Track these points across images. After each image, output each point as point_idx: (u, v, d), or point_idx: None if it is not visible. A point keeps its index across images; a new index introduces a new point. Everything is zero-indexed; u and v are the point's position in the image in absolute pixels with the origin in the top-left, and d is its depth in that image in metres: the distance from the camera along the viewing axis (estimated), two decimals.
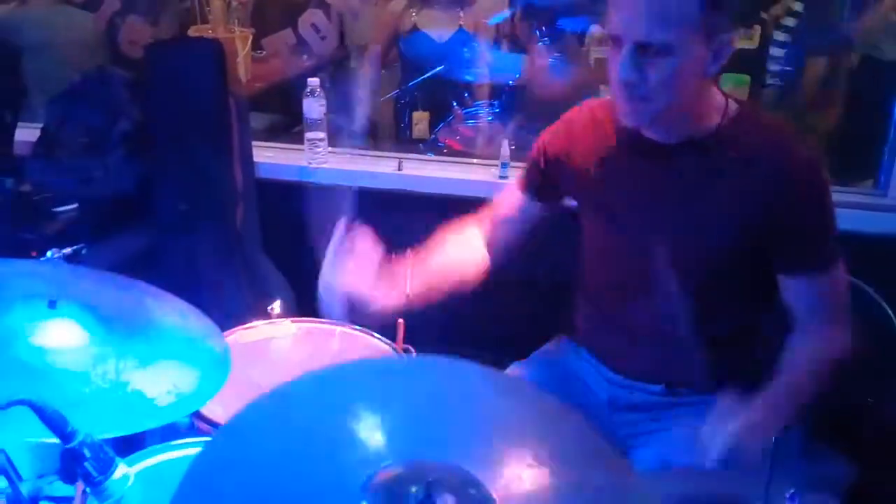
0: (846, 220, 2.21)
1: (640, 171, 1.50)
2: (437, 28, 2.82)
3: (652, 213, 1.49)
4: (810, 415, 2.14)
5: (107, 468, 0.90)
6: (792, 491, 0.94)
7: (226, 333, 1.81)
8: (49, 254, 1.63)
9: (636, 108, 1.38)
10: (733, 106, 1.46)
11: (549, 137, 1.64)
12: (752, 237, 1.44)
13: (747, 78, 2.69)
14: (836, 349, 1.48)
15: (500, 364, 1.77)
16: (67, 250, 1.67)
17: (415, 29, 2.90)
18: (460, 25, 2.84)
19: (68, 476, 0.90)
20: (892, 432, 2.12)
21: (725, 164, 1.43)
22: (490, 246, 1.72)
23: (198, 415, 1.52)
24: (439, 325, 2.48)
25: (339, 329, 1.86)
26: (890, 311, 2.00)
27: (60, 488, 0.92)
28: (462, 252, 1.68)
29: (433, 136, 2.86)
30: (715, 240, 1.45)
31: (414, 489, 0.74)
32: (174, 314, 1.31)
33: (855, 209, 2.28)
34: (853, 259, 2.10)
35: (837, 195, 2.25)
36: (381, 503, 0.75)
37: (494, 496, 0.79)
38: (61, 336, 1.14)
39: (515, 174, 2.43)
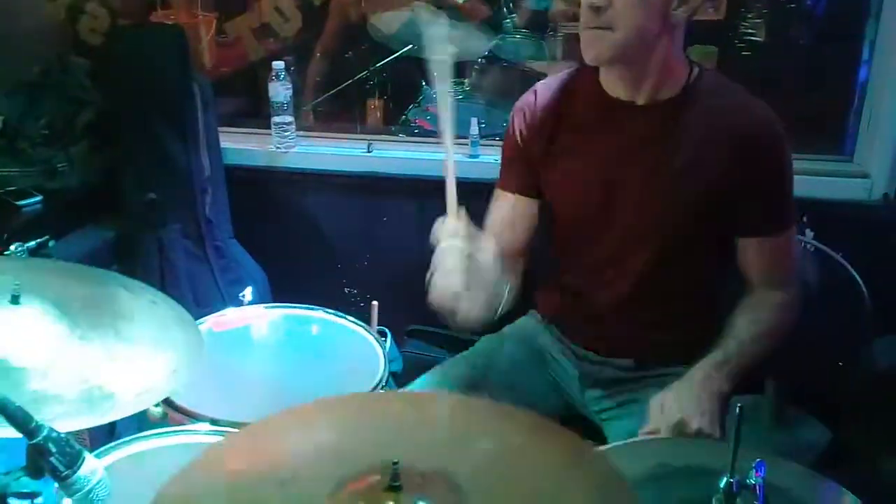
0: (813, 187, 2.26)
1: (607, 133, 1.51)
2: (387, 16, 2.75)
3: (619, 176, 1.50)
4: (783, 380, 2.19)
5: (74, 462, 0.90)
6: (758, 459, 0.95)
7: (199, 322, 1.80)
8: (12, 247, 1.61)
9: (599, 38, 1.39)
10: (698, 70, 1.49)
11: (515, 130, 1.62)
12: (715, 199, 1.46)
13: (714, 49, 2.70)
14: (786, 314, 1.51)
15: (470, 339, 1.77)
16: (31, 244, 1.65)
17: (363, 18, 2.84)
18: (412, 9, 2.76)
19: (35, 471, 0.90)
20: (863, 396, 2.16)
21: (690, 125, 1.45)
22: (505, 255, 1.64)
23: (173, 405, 1.51)
24: (411, 304, 2.48)
25: (315, 314, 1.86)
26: (857, 277, 2.03)
27: (28, 484, 0.91)
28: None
29: (403, 116, 2.83)
30: (680, 201, 1.46)
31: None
32: (145, 303, 1.30)
33: (822, 176, 2.30)
34: (821, 226, 2.14)
35: (804, 163, 2.31)
36: None
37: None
38: (24, 331, 1.12)
39: (486, 151, 2.46)
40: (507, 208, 1.64)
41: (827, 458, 2.16)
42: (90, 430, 1.87)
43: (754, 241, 1.50)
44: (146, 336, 1.21)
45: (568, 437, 0.93)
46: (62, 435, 0.90)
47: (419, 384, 1.63)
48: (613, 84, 1.50)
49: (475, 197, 2.52)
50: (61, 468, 0.89)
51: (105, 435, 2.01)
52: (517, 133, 1.62)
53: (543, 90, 1.60)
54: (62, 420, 0.92)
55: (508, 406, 1.01)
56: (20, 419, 0.88)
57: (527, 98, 1.62)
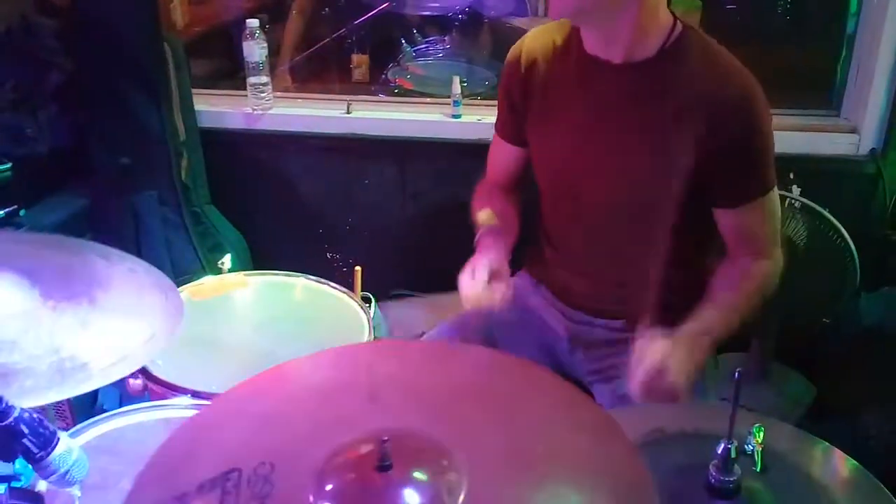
0: (800, 143, 2.24)
1: (583, 92, 1.47)
2: None
3: (595, 137, 1.46)
4: (769, 337, 2.19)
5: (48, 443, 0.86)
6: (756, 424, 0.94)
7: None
8: None
9: None
10: (680, 28, 1.42)
11: (506, 80, 1.60)
12: (687, 165, 1.39)
13: (699, 2, 2.64)
14: (763, 280, 1.47)
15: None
16: (0, 213, 1.59)
17: None
18: None
19: (7, 454, 0.86)
20: (848, 351, 2.17)
21: (663, 88, 1.40)
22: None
23: (152, 377, 1.48)
24: (397, 269, 2.46)
25: (297, 280, 1.82)
26: (844, 232, 2.01)
27: None
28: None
29: (383, 76, 2.76)
30: (653, 165, 1.42)
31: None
32: (120, 270, 1.25)
33: (808, 132, 2.28)
34: (807, 181, 2.12)
35: (791, 118, 2.28)
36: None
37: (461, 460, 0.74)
38: None
39: (468, 111, 2.41)
40: (496, 150, 1.71)
41: (812, 414, 2.18)
42: (72, 402, 1.84)
43: (729, 212, 1.45)
44: (122, 303, 1.17)
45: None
46: (34, 415, 0.86)
47: None
48: (589, 41, 1.46)
49: (458, 157, 2.48)
50: (35, 450, 0.86)
51: (87, 406, 1.98)
52: (507, 83, 1.60)
53: (531, 43, 1.56)
54: (33, 393, 0.88)
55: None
56: None
57: (515, 49, 1.59)
